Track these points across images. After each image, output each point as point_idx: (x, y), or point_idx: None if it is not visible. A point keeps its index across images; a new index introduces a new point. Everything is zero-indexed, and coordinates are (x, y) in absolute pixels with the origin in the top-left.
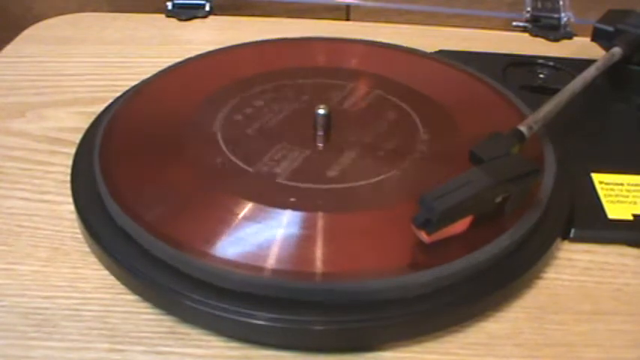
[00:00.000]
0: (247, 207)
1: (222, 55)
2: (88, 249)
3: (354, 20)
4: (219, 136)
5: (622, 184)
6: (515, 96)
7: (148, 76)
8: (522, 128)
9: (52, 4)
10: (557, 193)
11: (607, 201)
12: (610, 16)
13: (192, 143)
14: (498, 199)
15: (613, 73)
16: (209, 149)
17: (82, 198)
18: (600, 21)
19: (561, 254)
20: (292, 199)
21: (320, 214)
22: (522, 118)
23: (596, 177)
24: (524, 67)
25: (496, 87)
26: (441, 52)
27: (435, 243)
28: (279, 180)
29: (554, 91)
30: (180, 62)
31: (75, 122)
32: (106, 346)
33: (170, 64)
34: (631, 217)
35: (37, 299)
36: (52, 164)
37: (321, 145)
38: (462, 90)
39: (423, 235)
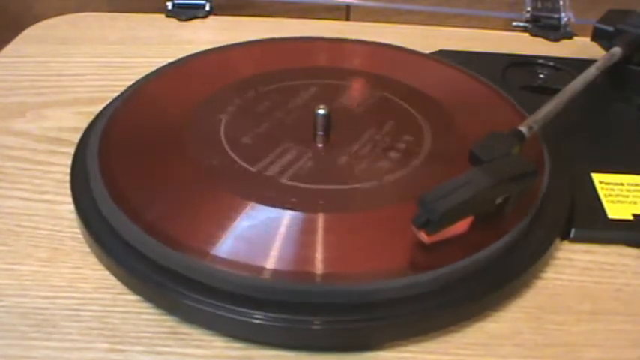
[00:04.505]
0: (247, 207)
1: (222, 54)
2: (88, 249)
3: (354, 20)
4: (217, 136)
5: (622, 184)
6: (515, 96)
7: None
8: (522, 128)
9: (52, 4)
10: (557, 193)
11: (607, 201)
12: (610, 16)
13: (190, 143)
14: (499, 200)
15: (613, 73)
16: (208, 149)
17: (82, 198)
18: (600, 21)
19: (561, 254)
20: (292, 200)
21: (320, 215)
22: (522, 118)
23: (596, 177)
24: (524, 67)
25: (496, 87)
26: (441, 52)
27: (435, 243)
28: (279, 180)
29: (554, 91)
30: (179, 60)
31: (75, 122)
32: (106, 346)
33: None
34: (631, 217)
35: (37, 299)
36: (52, 164)
37: (321, 145)
38: (462, 90)
39: (423, 236)
